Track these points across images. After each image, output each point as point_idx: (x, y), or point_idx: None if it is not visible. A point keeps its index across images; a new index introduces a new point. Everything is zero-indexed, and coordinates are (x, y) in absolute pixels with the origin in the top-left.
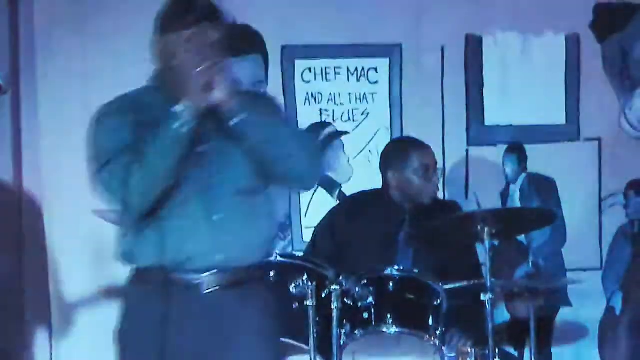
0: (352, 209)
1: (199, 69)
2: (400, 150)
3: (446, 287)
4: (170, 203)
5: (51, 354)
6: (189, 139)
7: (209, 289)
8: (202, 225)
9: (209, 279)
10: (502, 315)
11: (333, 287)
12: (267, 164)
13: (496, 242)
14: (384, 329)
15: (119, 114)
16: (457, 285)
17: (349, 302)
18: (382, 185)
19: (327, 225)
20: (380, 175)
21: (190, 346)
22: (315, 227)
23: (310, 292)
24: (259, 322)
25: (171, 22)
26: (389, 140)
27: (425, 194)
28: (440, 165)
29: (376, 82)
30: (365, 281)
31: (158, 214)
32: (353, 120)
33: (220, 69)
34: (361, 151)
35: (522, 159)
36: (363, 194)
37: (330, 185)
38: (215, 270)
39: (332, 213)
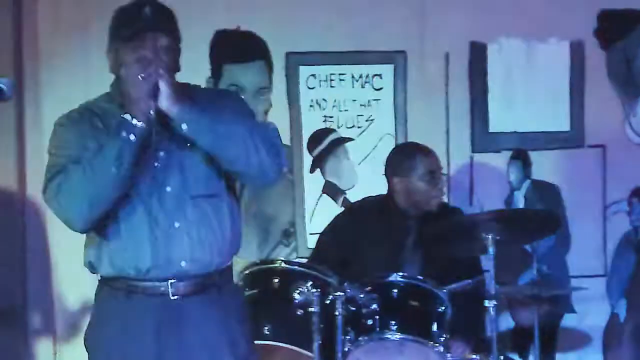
0: (357, 216)
1: (141, 77)
2: (405, 156)
3: (448, 287)
4: (129, 212)
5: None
6: (139, 146)
7: (174, 296)
8: (163, 234)
9: (174, 286)
10: (506, 322)
11: (337, 293)
12: (224, 163)
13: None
14: (388, 336)
15: (72, 123)
16: (458, 285)
17: (353, 309)
18: (387, 192)
19: (331, 233)
20: (385, 181)
21: (154, 353)
22: (319, 235)
23: (314, 298)
24: (225, 327)
25: (118, 31)
26: (392, 147)
27: (432, 199)
28: (444, 171)
29: (380, 89)
30: (370, 288)
31: (118, 224)
32: (357, 126)
33: (162, 76)
34: (365, 157)
35: (526, 165)
36: (367, 201)
37: (335, 192)
38: (177, 278)
39: (336, 220)
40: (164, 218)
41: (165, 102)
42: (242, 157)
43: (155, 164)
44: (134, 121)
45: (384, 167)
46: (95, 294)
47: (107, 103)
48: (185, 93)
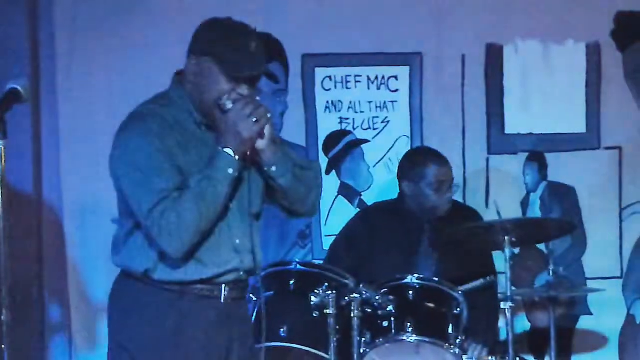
0: (370, 220)
1: (255, 120)
2: (416, 162)
3: (461, 288)
4: None
5: (70, 357)
6: (236, 181)
7: (227, 299)
8: (227, 248)
9: (228, 290)
10: (523, 323)
11: (353, 295)
12: (287, 201)
13: (516, 251)
14: (404, 338)
15: (155, 137)
16: (469, 286)
17: (369, 311)
18: (398, 195)
19: (345, 237)
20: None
21: (207, 348)
22: (333, 240)
23: (330, 300)
24: (251, 330)
25: (217, 50)
26: (408, 149)
27: (438, 208)
28: (460, 174)
29: (396, 91)
30: (385, 290)
31: None
32: (373, 128)
33: (270, 120)
34: (381, 159)
35: (542, 167)
36: (380, 204)
37: (351, 194)
38: (233, 286)
39: (350, 224)
40: (228, 234)
41: (265, 145)
42: (300, 199)
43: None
44: (236, 157)
45: (397, 169)
46: (131, 295)
47: (176, 111)
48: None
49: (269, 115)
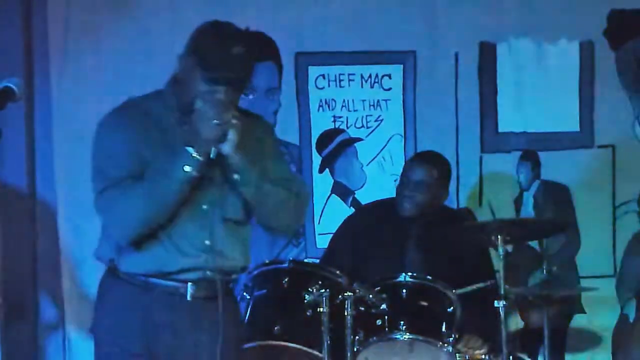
0: (365, 218)
1: (216, 122)
2: (407, 162)
3: (458, 292)
4: (169, 225)
5: (64, 357)
6: (196, 181)
7: (193, 298)
8: (196, 247)
9: (194, 289)
10: (516, 322)
11: (347, 294)
12: (256, 217)
13: (510, 249)
14: (398, 336)
15: (123, 129)
16: (468, 289)
17: (363, 309)
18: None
19: (341, 235)
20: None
21: (168, 345)
22: (330, 239)
23: (324, 299)
24: (226, 332)
25: (202, 55)
26: (401, 147)
27: (402, 207)
28: (454, 172)
29: (390, 89)
30: (379, 288)
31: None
32: (367, 126)
33: (234, 126)
34: (374, 158)
35: (535, 166)
36: (376, 203)
37: (344, 192)
38: (199, 284)
39: (346, 222)
40: (197, 234)
41: (229, 149)
42: (269, 217)
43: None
44: (196, 156)
45: None
46: (104, 287)
47: (162, 107)
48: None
49: (234, 122)
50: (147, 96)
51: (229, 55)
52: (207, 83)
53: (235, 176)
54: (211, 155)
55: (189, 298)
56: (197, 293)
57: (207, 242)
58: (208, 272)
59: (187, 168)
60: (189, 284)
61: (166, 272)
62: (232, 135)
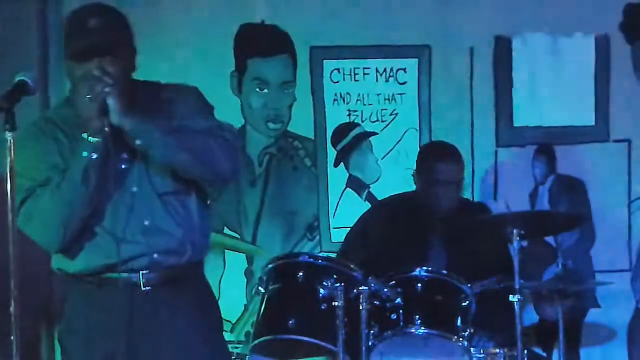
0: (385, 213)
1: (88, 97)
2: (427, 157)
3: (475, 290)
4: (99, 218)
5: None
6: (102, 161)
7: (147, 286)
8: (132, 232)
9: (146, 277)
10: (531, 316)
11: (362, 288)
12: (178, 172)
13: (525, 244)
14: (413, 330)
15: (35, 141)
16: (484, 287)
17: (378, 303)
18: (416, 188)
19: (360, 230)
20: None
21: (125, 344)
22: (347, 233)
23: (339, 293)
24: (194, 318)
25: (68, 50)
26: (416, 141)
27: (440, 208)
28: (469, 167)
29: (405, 83)
30: (394, 282)
31: (88, 227)
32: (382, 121)
33: (110, 93)
34: (390, 152)
35: (551, 160)
36: (395, 198)
37: (359, 186)
38: (150, 269)
39: (365, 217)
40: (133, 217)
41: (116, 118)
42: (195, 167)
43: (123, 166)
44: (91, 139)
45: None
46: (65, 292)
47: (67, 110)
48: (138, 100)
49: (108, 90)
50: (58, 106)
51: (86, 29)
52: (76, 65)
53: (138, 142)
54: (105, 129)
55: (142, 288)
56: (151, 281)
57: (146, 222)
58: (155, 256)
59: (84, 153)
60: (141, 273)
61: (111, 264)
62: (112, 103)
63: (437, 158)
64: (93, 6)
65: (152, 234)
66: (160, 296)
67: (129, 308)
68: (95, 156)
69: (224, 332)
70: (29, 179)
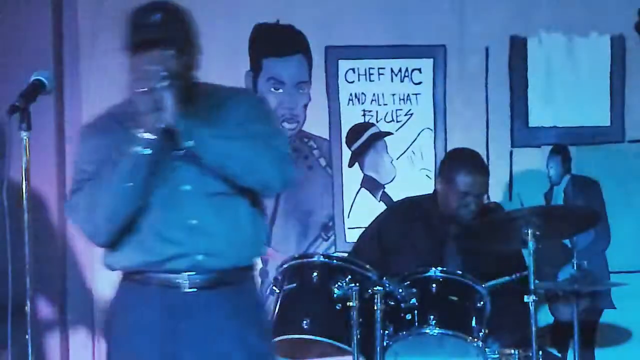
0: (400, 214)
1: (142, 91)
2: (451, 164)
3: (488, 284)
4: (146, 211)
5: (93, 353)
6: (152, 158)
7: (190, 288)
8: (178, 230)
9: (189, 278)
10: (546, 317)
11: (376, 288)
12: (228, 177)
13: (540, 245)
14: (427, 331)
15: (93, 134)
16: (498, 281)
17: (392, 304)
18: (434, 191)
19: (374, 230)
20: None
21: (163, 344)
22: (361, 233)
23: (353, 293)
24: (237, 325)
25: (129, 42)
26: (431, 141)
27: (458, 217)
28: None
29: (420, 83)
30: (409, 282)
31: (134, 222)
32: (396, 121)
33: (165, 90)
34: (404, 152)
35: (566, 160)
36: (412, 199)
37: (374, 186)
38: (195, 271)
39: (380, 217)
40: (180, 216)
41: (169, 117)
42: (243, 175)
43: (174, 164)
44: (144, 135)
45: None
46: (116, 290)
47: (129, 106)
48: (194, 101)
49: (163, 84)
50: (122, 102)
51: (148, 22)
52: (136, 59)
53: (189, 143)
54: (158, 127)
55: (183, 290)
56: (194, 283)
57: (193, 221)
58: (199, 257)
59: (135, 149)
60: (185, 274)
61: (153, 261)
62: (167, 99)
63: (462, 169)
64: (157, 2)
65: (197, 234)
66: (201, 299)
67: (168, 310)
68: (145, 152)
69: (269, 342)
70: (81, 172)
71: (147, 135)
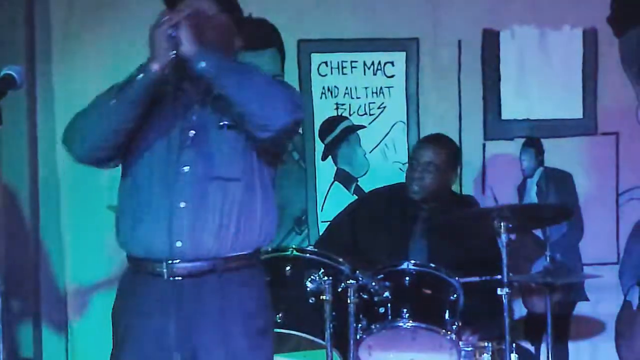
0: (369, 204)
1: (162, 21)
2: (415, 144)
3: (463, 281)
4: (144, 188)
5: (67, 347)
6: (152, 89)
7: (171, 277)
8: (166, 213)
9: (169, 267)
10: (519, 309)
11: (349, 281)
12: (237, 105)
13: (513, 236)
14: (400, 324)
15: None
16: (472, 280)
17: (366, 297)
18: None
19: (344, 218)
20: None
21: (158, 331)
22: (331, 221)
23: (326, 287)
24: (219, 317)
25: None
26: (404, 134)
27: (408, 187)
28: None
29: (392, 76)
30: (382, 276)
31: (133, 199)
32: (369, 114)
33: (183, 20)
34: (377, 145)
35: (539, 153)
36: (380, 190)
37: (347, 180)
38: (176, 259)
39: (348, 207)
40: (172, 197)
41: (185, 43)
42: (256, 106)
43: (187, 142)
44: (152, 65)
45: None
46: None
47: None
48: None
49: (180, 17)
50: None
51: None
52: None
53: (202, 64)
54: (170, 55)
55: (165, 277)
56: (171, 272)
57: (182, 204)
58: (178, 244)
59: (140, 76)
60: (165, 262)
61: (140, 249)
62: (183, 30)
63: (418, 143)
64: None
65: (181, 217)
66: (203, 287)
67: (167, 298)
68: (148, 79)
69: (271, 335)
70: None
71: (153, 65)
